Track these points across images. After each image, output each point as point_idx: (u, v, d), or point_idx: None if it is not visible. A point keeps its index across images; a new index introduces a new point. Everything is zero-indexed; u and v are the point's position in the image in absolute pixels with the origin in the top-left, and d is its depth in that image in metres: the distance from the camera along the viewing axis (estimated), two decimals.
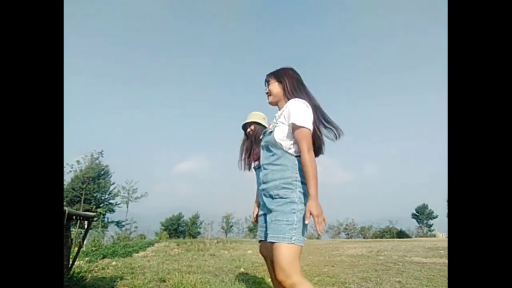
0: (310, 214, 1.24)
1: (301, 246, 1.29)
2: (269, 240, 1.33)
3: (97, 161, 20.66)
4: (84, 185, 19.81)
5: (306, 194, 1.33)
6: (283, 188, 1.35)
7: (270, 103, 1.60)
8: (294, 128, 1.37)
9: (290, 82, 1.53)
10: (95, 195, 23.38)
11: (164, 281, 3.30)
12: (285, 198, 1.33)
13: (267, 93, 1.60)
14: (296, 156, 1.39)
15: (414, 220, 31.62)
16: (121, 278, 3.35)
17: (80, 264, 4.13)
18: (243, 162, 2.27)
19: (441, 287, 3.07)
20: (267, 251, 1.68)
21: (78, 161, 18.15)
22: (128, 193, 21.67)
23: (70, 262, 2.82)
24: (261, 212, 1.61)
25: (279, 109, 1.57)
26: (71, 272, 2.81)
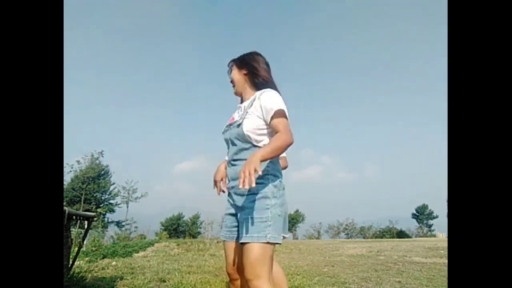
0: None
1: (276, 243, 1.19)
2: (242, 241, 1.20)
3: (97, 161, 20.65)
4: (84, 185, 19.80)
5: (278, 187, 1.24)
6: (255, 182, 1.14)
7: (235, 93, 1.45)
8: (275, 116, 1.22)
9: (257, 69, 1.38)
10: (95, 195, 23.37)
11: (164, 281, 3.30)
12: (256, 193, 1.21)
13: (231, 81, 1.44)
14: None
15: (414, 220, 31.62)
16: (121, 278, 3.35)
17: (80, 264, 4.13)
18: None
19: (441, 287, 3.07)
20: (232, 252, 1.39)
21: (78, 161, 18.14)
22: (128, 193, 21.66)
23: (70, 262, 2.82)
24: (228, 211, 1.39)
25: (243, 99, 1.44)
26: (71, 272, 2.81)
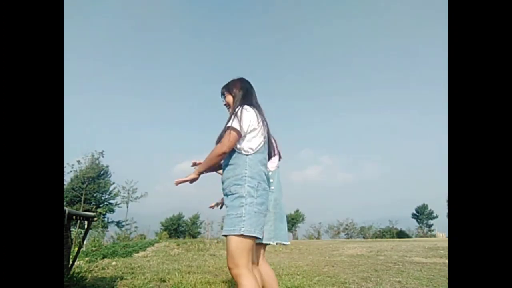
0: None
1: (253, 237, 1.37)
2: (223, 233, 1.42)
3: (97, 161, 20.62)
4: (84, 185, 19.78)
5: (256, 188, 1.43)
6: (234, 184, 1.44)
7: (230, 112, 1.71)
8: (226, 130, 1.48)
9: (239, 93, 1.66)
10: (95, 195, 23.35)
11: (164, 281, 3.30)
12: (235, 193, 1.42)
13: (225, 105, 1.73)
14: (246, 155, 1.49)
15: (414, 220, 31.60)
16: (121, 278, 3.35)
17: (80, 264, 4.13)
18: None
19: (441, 287, 3.07)
20: None
21: (78, 161, 18.11)
22: (128, 193, 21.64)
23: (70, 262, 2.82)
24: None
25: None
26: (71, 272, 2.81)
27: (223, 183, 1.54)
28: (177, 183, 1.63)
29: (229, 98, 1.69)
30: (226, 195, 1.50)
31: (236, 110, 1.52)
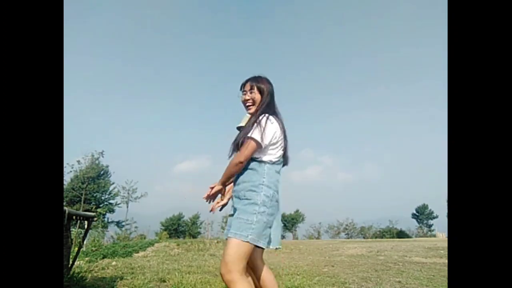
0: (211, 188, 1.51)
1: (256, 246, 1.35)
2: (228, 235, 1.37)
3: (97, 161, 20.62)
4: (84, 185, 19.78)
5: (270, 198, 1.41)
6: (250, 190, 1.42)
7: (251, 113, 1.57)
8: (245, 140, 1.43)
9: (267, 97, 1.56)
10: (95, 195, 23.37)
11: (164, 281, 3.30)
12: (250, 199, 1.40)
13: (247, 100, 1.57)
14: (265, 162, 1.46)
15: (414, 220, 31.61)
16: (121, 278, 3.34)
17: (80, 264, 4.13)
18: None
19: (441, 287, 3.07)
20: None
21: (78, 161, 18.11)
22: (128, 193, 21.66)
23: (70, 262, 2.82)
24: (231, 212, 1.61)
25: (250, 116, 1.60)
26: (71, 272, 2.81)
27: (236, 184, 1.50)
28: (208, 198, 1.59)
29: (257, 96, 1.55)
30: (238, 197, 1.47)
31: (260, 118, 1.45)
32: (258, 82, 1.57)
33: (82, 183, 20.24)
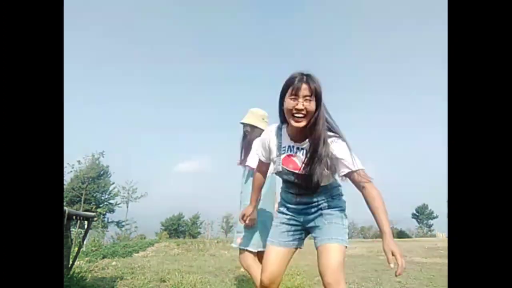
0: (392, 254, 1.10)
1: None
2: (325, 242, 1.37)
3: (97, 161, 20.64)
4: (84, 185, 19.77)
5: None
6: (334, 198, 1.48)
7: (300, 126, 1.22)
8: (358, 171, 1.24)
9: (323, 109, 1.22)
10: (95, 195, 23.39)
11: (164, 281, 3.30)
12: (338, 207, 1.48)
13: (300, 110, 1.18)
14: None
15: (414, 220, 31.65)
16: (121, 278, 3.34)
17: (80, 264, 4.13)
18: (240, 158, 2.21)
19: (441, 287, 3.07)
20: (278, 258, 1.54)
21: (78, 161, 18.12)
22: (128, 193, 21.67)
23: (70, 262, 2.82)
24: (287, 222, 1.52)
25: (294, 136, 1.32)
26: (71, 272, 2.80)
27: (316, 194, 1.40)
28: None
29: (311, 107, 1.19)
30: (319, 207, 1.42)
31: (341, 142, 1.26)
32: (316, 85, 1.18)
33: (82, 183, 20.25)
